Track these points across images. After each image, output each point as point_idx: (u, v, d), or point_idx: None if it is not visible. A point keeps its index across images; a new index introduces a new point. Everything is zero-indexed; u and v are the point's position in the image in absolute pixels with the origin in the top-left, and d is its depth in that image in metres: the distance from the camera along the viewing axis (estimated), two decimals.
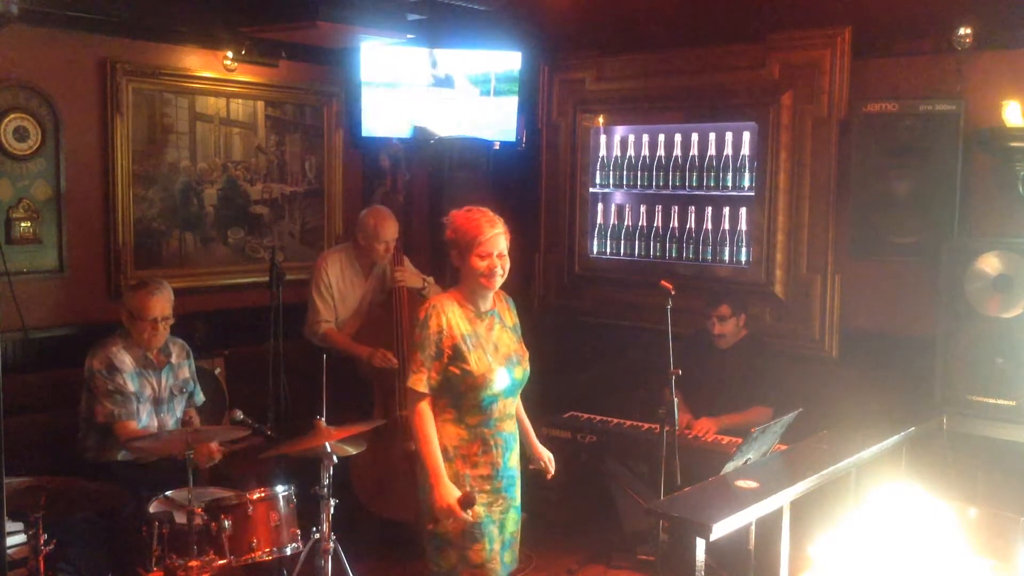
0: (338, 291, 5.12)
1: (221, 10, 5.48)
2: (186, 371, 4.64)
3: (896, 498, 3.47)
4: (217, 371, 5.38)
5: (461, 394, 3.40)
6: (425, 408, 3.37)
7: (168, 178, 5.54)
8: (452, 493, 3.31)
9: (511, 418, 3.55)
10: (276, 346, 4.61)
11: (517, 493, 3.60)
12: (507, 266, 3.43)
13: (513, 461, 3.56)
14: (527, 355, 3.57)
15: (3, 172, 4.85)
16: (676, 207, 5.63)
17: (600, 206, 5.97)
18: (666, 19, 5.55)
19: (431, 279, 5.27)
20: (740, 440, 4.01)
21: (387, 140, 5.99)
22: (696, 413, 4.88)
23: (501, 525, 3.51)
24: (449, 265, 3.67)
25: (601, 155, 5.91)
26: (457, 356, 3.36)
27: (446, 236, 3.45)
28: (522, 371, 3.53)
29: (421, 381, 3.35)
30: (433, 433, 3.36)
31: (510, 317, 3.59)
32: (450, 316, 3.39)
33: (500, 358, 3.45)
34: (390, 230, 5.09)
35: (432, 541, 3.45)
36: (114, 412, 4.31)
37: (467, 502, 3.31)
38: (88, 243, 5.20)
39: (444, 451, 3.38)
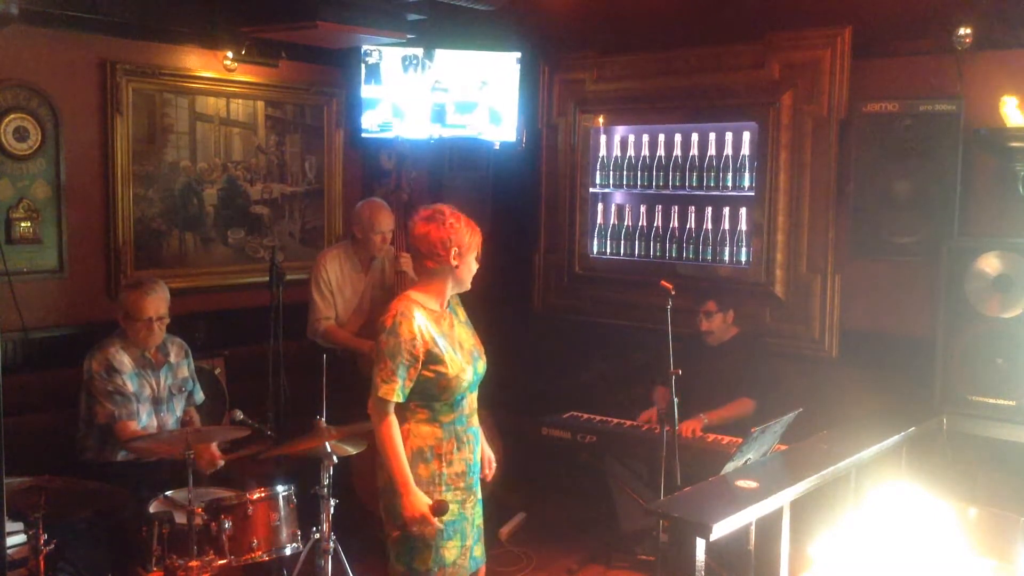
0: (337, 287, 5.12)
1: (221, 10, 5.49)
2: (185, 370, 4.64)
3: (896, 498, 3.47)
4: (217, 371, 5.38)
5: (435, 395, 3.35)
6: (394, 419, 3.31)
7: (168, 178, 5.54)
8: (424, 501, 3.28)
9: (475, 412, 3.54)
10: (276, 346, 4.61)
11: (479, 485, 3.59)
12: None
13: (478, 455, 3.56)
14: (483, 348, 3.55)
15: (3, 172, 4.85)
16: (676, 207, 5.62)
17: (600, 206, 5.97)
18: (666, 19, 5.55)
19: None
20: (740, 440, 4.01)
21: (389, 140, 5.99)
22: (684, 414, 4.85)
23: (471, 521, 3.51)
24: None
25: (601, 155, 5.91)
26: (431, 360, 3.30)
27: (452, 232, 3.34)
28: (483, 364, 3.51)
29: (394, 391, 3.26)
30: (400, 443, 3.30)
31: (461, 312, 3.57)
32: (419, 321, 3.32)
33: (466, 355, 3.42)
34: (386, 220, 5.09)
35: (403, 546, 3.40)
36: (114, 413, 4.31)
37: (440, 510, 3.28)
38: (88, 243, 5.20)
39: (421, 452, 3.35)
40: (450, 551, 3.39)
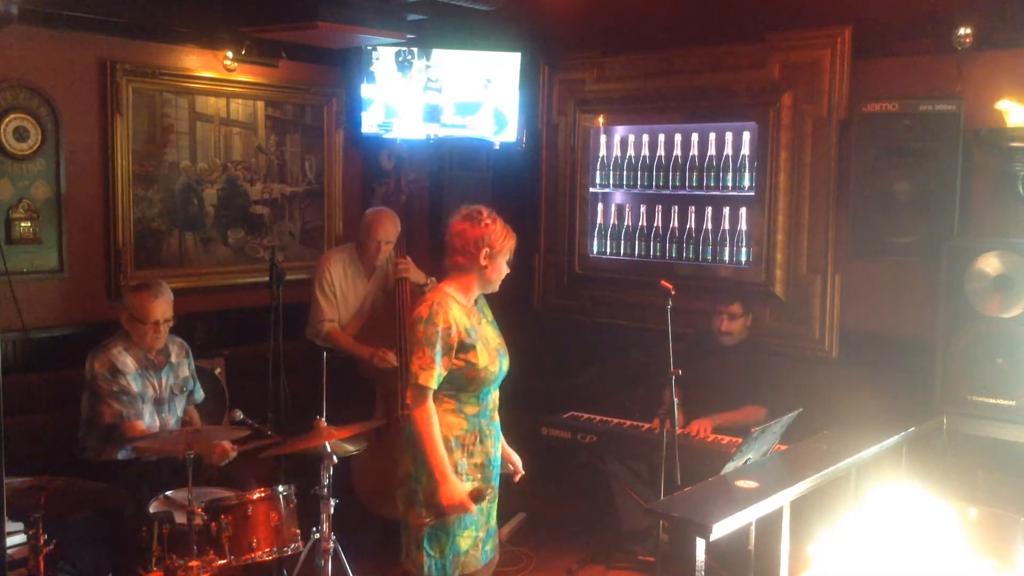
0: (340, 290, 5.12)
1: (221, 10, 5.48)
2: (186, 370, 4.64)
3: (896, 498, 3.47)
4: (217, 371, 5.38)
5: (463, 386, 3.45)
6: (432, 407, 3.39)
7: (168, 178, 5.54)
8: (462, 489, 3.37)
9: (497, 410, 3.63)
10: (276, 346, 4.61)
11: (498, 481, 3.67)
12: None
13: (499, 451, 3.64)
14: (507, 347, 3.64)
15: (3, 172, 4.85)
16: (676, 207, 5.62)
17: (600, 206, 5.97)
18: (666, 19, 5.55)
19: (433, 279, 5.26)
20: (740, 440, 4.01)
21: (389, 140, 5.99)
22: (694, 411, 4.86)
23: (487, 514, 3.59)
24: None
25: (601, 155, 5.91)
26: (463, 349, 3.41)
27: (486, 232, 3.43)
28: (507, 363, 3.60)
29: (432, 378, 3.35)
30: (438, 431, 3.39)
31: (488, 312, 3.66)
32: (454, 311, 3.42)
33: (492, 351, 3.52)
34: (383, 231, 5.08)
35: (423, 533, 3.46)
36: (122, 412, 4.31)
37: (479, 496, 3.39)
38: (88, 243, 5.20)
39: (446, 441, 3.42)
40: (465, 540, 3.48)
